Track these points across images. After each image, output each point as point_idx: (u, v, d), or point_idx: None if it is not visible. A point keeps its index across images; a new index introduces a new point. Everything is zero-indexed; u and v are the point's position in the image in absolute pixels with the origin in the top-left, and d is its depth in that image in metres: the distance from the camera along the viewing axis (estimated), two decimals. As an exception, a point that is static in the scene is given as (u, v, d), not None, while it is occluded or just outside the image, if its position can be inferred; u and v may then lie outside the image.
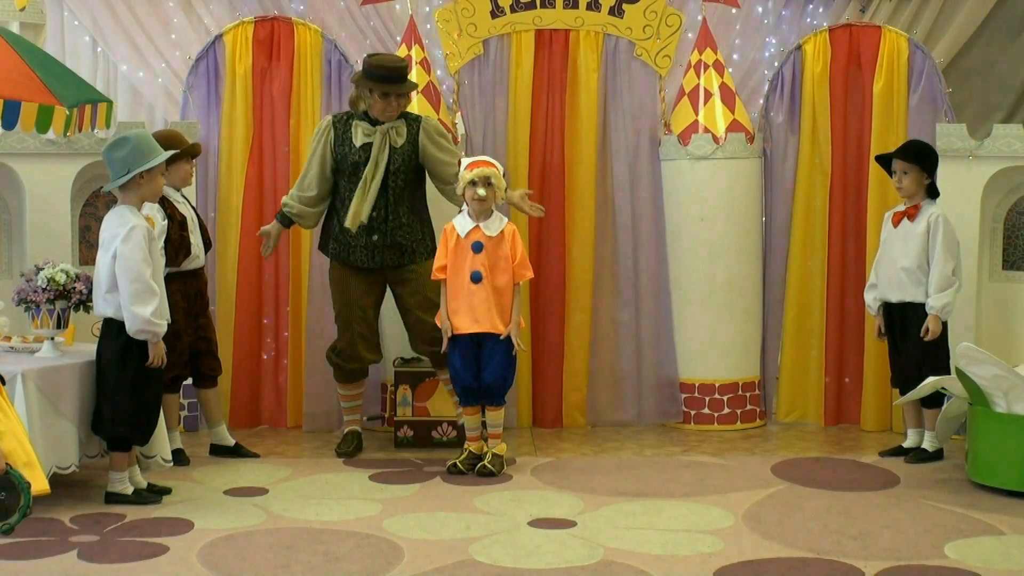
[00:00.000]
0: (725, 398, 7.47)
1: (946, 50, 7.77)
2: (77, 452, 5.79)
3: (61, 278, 5.86)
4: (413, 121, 6.70)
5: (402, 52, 7.37)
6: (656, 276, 7.55)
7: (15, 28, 7.67)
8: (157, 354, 5.68)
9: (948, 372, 6.37)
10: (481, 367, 6.35)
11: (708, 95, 7.45)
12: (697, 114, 7.43)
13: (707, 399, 7.47)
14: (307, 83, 7.43)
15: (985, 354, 6.07)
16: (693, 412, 7.51)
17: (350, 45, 7.60)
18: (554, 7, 7.50)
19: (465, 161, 6.46)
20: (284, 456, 6.85)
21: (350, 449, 6.82)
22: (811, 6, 7.84)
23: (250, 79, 7.42)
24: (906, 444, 6.77)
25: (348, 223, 6.59)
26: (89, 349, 5.96)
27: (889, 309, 6.71)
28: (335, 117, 6.76)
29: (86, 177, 7.11)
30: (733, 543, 5.22)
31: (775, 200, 7.60)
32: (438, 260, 6.43)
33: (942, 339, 6.55)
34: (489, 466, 6.33)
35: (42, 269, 5.92)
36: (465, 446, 6.49)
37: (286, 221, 6.82)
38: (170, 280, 6.04)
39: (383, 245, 6.62)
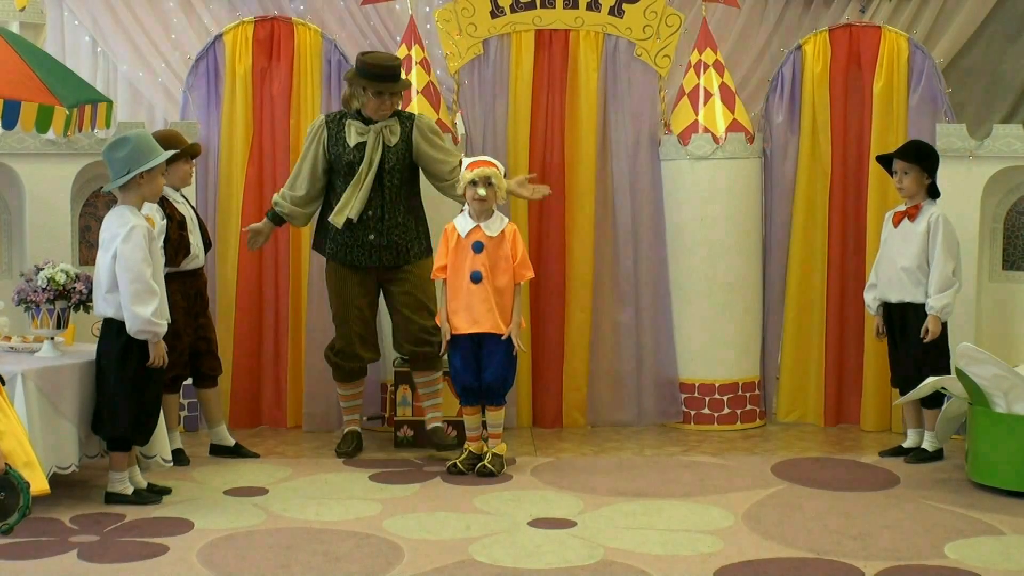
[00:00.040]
0: (725, 398, 7.47)
1: (946, 50, 7.77)
2: (77, 452, 5.79)
3: (61, 278, 5.86)
4: (406, 119, 6.70)
5: (402, 52, 7.38)
6: (656, 276, 7.55)
7: (15, 28, 7.68)
8: (158, 354, 5.68)
9: (948, 372, 6.37)
10: (481, 367, 6.35)
11: (708, 95, 7.45)
12: (697, 114, 7.43)
13: (707, 399, 7.48)
14: (307, 83, 7.44)
15: (985, 354, 6.07)
16: (693, 412, 7.51)
17: (350, 45, 7.60)
18: (554, 7, 7.50)
19: (466, 161, 6.47)
20: (284, 456, 6.85)
21: (350, 449, 6.82)
22: (811, 6, 7.84)
23: (250, 79, 7.42)
24: (906, 444, 6.77)
25: (331, 218, 6.59)
26: (89, 349, 5.96)
27: (889, 309, 6.71)
28: (328, 117, 6.77)
29: (86, 177, 7.11)
30: (733, 543, 5.22)
31: (775, 200, 7.59)
32: (438, 260, 6.44)
33: (942, 339, 6.55)
34: (489, 466, 6.33)
35: (42, 269, 5.92)
36: (465, 446, 6.49)
37: (277, 220, 6.83)
38: (170, 280, 6.04)
39: (380, 244, 6.62)
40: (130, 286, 5.56)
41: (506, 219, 6.45)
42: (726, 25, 7.84)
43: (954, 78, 7.66)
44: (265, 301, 7.55)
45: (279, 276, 7.54)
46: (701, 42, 7.52)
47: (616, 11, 7.52)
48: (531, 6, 7.50)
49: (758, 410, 7.59)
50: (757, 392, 7.59)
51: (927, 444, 6.64)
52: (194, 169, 6.73)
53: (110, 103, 6.71)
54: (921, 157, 6.58)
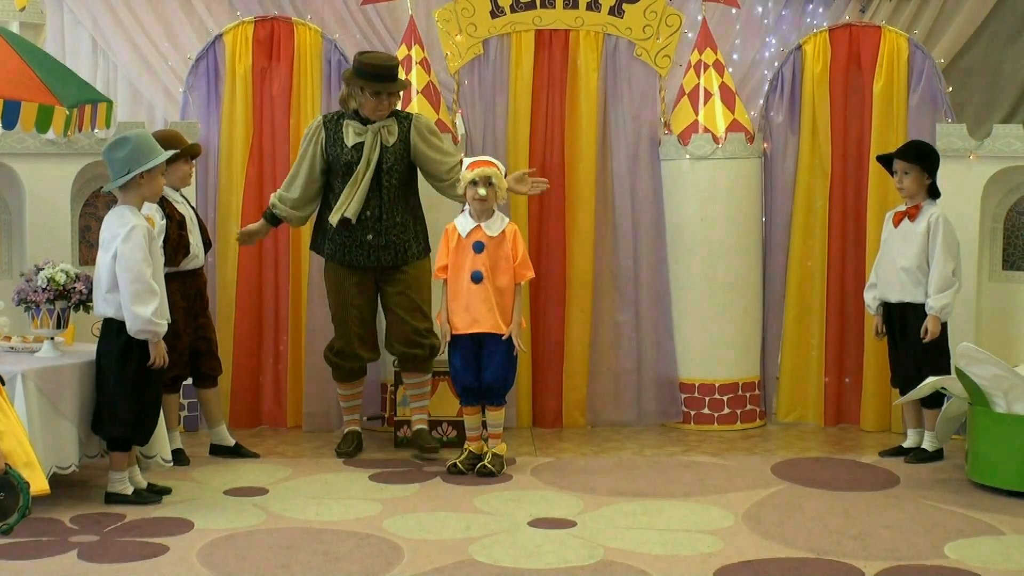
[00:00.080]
0: (725, 398, 7.47)
1: (946, 50, 7.77)
2: (77, 452, 5.79)
3: (61, 278, 5.86)
4: (404, 119, 6.70)
5: (402, 52, 7.38)
6: (656, 276, 7.55)
7: (15, 28, 7.67)
8: (159, 354, 5.68)
9: (948, 372, 6.36)
10: (481, 367, 6.35)
11: (708, 95, 7.45)
12: (697, 114, 7.43)
13: (707, 399, 7.47)
14: (307, 83, 7.44)
15: (985, 354, 6.07)
16: (693, 412, 7.51)
17: (350, 45, 7.60)
18: (554, 7, 7.50)
19: (466, 161, 6.47)
20: (284, 456, 6.85)
21: (350, 449, 6.82)
22: (811, 6, 7.84)
23: (250, 79, 7.42)
24: (906, 444, 6.77)
25: (330, 217, 6.59)
26: (89, 349, 5.96)
27: (889, 309, 6.71)
28: (326, 118, 6.77)
29: (86, 177, 7.11)
30: (733, 543, 5.22)
31: (775, 200, 7.60)
32: (439, 260, 6.44)
33: (942, 339, 6.55)
34: (489, 466, 6.33)
35: (42, 269, 5.92)
36: (465, 446, 6.49)
37: (274, 220, 6.83)
38: (169, 280, 6.04)
39: (378, 244, 6.62)
40: (130, 286, 5.56)
41: (507, 219, 6.46)
42: (726, 25, 7.83)
43: (954, 78, 7.66)
44: (265, 301, 7.55)
45: (279, 276, 7.54)
46: (701, 42, 7.52)
47: (616, 11, 7.52)
48: (531, 6, 7.50)
49: (758, 410, 7.59)
50: (757, 392, 7.59)
51: (927, 444, 6.64)
52: (194, 170, 6.72)
53: (110, 103, 6.71)
54: (921, 157, 6.59)
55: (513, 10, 7.50)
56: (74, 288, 5.88)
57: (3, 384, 4.64)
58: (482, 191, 6.28)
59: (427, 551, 5.11)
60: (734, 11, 7.76)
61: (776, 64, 7.65)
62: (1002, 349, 6.79)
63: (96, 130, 6.68)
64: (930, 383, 6.34)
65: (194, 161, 6.70)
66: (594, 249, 7.56)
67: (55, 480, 5.44)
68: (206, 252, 6.71)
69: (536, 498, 5.93)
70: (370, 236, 6.61)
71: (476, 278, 6.30)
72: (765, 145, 7.57)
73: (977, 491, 6.04)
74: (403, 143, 6.65)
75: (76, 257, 7.09)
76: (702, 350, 7.48)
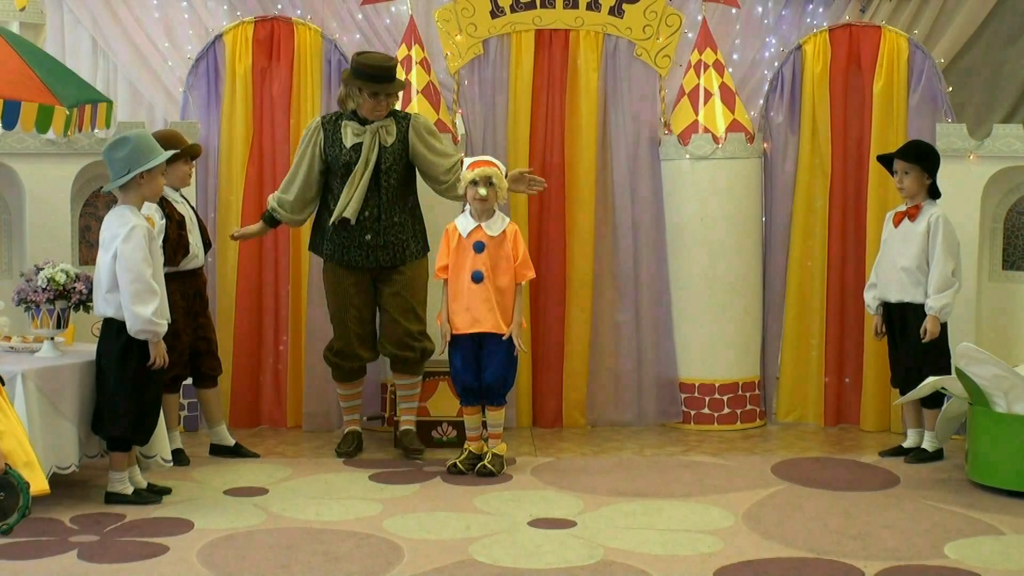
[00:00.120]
0: (725, 398, 7.47)
1: (946, 50, 7.76)
2: (77, 452, 5.79)
3: (61, 278, 5.86)
4: (402, 119, 6.70)
5: (402, 52, 7.38)
6: (656, 276, 7.55)
7: (15, 28, 7.67)
8: (159, 353, 5.68)
9: (948, 372, 6.36)
10: (482, 367, 6.35)
11: (708, 95, 7.45)
12: (697, 114, 7.43)
13: (707, 399, 7.48)
14: (307, 83, 7.44)
15: (985, 354, 6.07)
16: (693, 412, 7.51)
17: (350, 45, 7.60)
18: (554, 7, 7.50)
19: (467, 161, 6.47)
20: (284, 456, 6.85)
21: (350, 449, 6.82)
22: (811, 6, 7.84)
23: (250, 79, 7.42)
24: (906, 444, 6.77)
25: (330, 219, 6.59)
26: (89, 349, 5.96)
27: (889, 309, 6.71)
28: (324, 118, 6.77)
29: (86, 177, 7.11)
30: (733, 543, 5.22)
31: (775, 200, 7.60)
32: (439, 260, 6.44)
33: (942, 339, 6.55)
34: (489, 466, 6.33)
35: (42, 269, 5.92)
36: (465, 446, 6.49)
37: (273, 222, 6.83)
38: (169, 280, 6.03)
39: (376, 244, 6.62)
40: (130, 286, 5.56)
41: (507, 219, 6.46)
42: (726, 25, 7.83)
43: (954, 78, 7.66)
44: (265, 301, 7.55)
45: (279, 276, 7.54)
46: (701, 42, 7.52)
47: (616, 11, 7.52)
48: (531, 6, 7.50)
49: (758, 410, 7.59)
50: (757, 392, 7.59)
51: (927, 444, 6.64)
52: (193, 170, 6.72)
53: (110, 103, 6.71)
54: (921, 157, 6.59)
55: (513, 10, 7.50)
56: (74, 288, 5.88)
57: (3, 384, 4.65)
58: (482, 191, 6.29)
59: (427, 551, 5.11)
60: (734, 11, 7.76)
61: (776, 64, 7.65)
62: (1002, 349, 6.80)
63: (96, 130, 6.68)
64: (930, 383, 6.34)
65: (194, 161, 6.70)
66: (594, 249, 7.56)
67: (55, 480, 5.44)
68: (206, 252, 6.71)
69: (536, 498, 5.93)
70: (368, 236, 6.61)
71: (476, 278, 6.30)
72: (765, 145, 7.57)
73: (977, 491, 6.04)
74: (401, 143, 6.65)
75: (76, 257, 7.09)
76: (702, 350, 7.48)
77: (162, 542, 5.22)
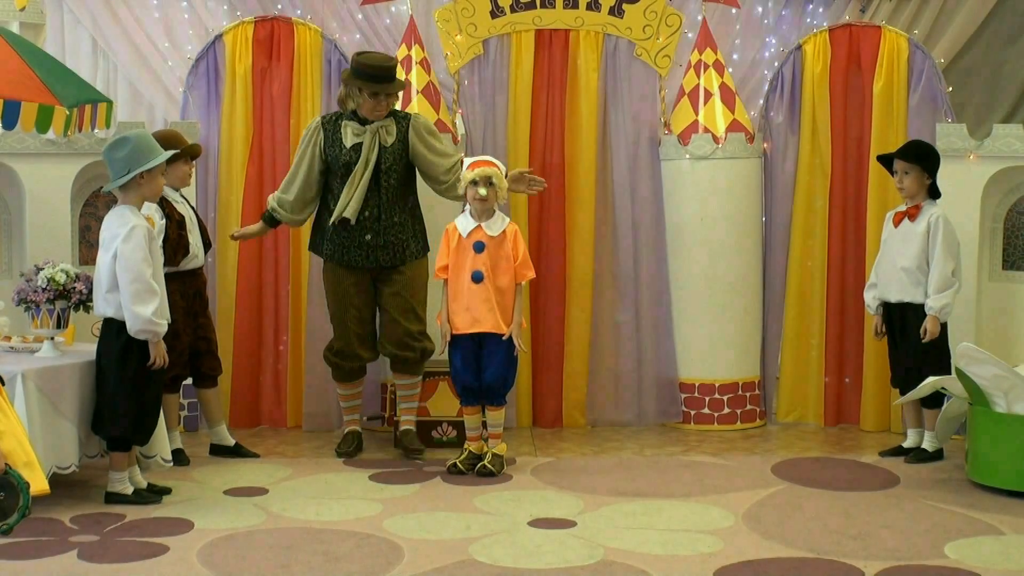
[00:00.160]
0: (725, 398, 7.47)
1: (946, 50, 7.76)
2: (77, 452, 5.79)
3: (61, 278, 5.86)
4: (402, 119, 6.70)
5: (402, 52, 7.38)
6: (656, 276, 7.55)
7: (15, 28, 7.67)
8: (159, 353, 5.68)
9: (948, 372, 6.36)
10: (482, 367, 6.35)
11: (708, 95, 7.45)
12: (697, 114, 7.43)
13: (707, 399, 7.48)
14: (307, 83, 7.44)
15: (985, 354, 6.07)
16: (693, 412, 7.51)
17: (350, 45, 7.60)
18: (554, 7, 7.50)
19: (467, 161, 6.47)
20: (284, 456, 6.85)
21: (350, 449, 6.82)
22: (811, 6, 7.84)
23: (250, 79, 7.42)
24: (906, 444, 6.77)
25: (331, 219, 6.59)
26: (89, 349, 5.96)
27: (888, 309, 6.72)
28: (324, 119, 6.77)
29: (86, 177, 7.11)
30: (733, 543, 5.22)
31: (775, 200, 7.60)
32: (439, 260, 6.44)
33: (942, 339, 6.55)
34: (489, 466, 6.33)
35: (42, 269, 5.92)
36: (465, 446, 6.49)
37: (273, 222, 6.83)
38: (169, 280, 6.03)
39: (376, 244, 6.62)
40: (130, 286, 5.56)
41: (507, 219, 6.46)
42: (726, 25, 7.83)
43: (954, 78, 7.66)
44: (265, 301, 7.55)
45: (279, 276, 7.54)
46: (701, 42, 7.52)
47: (616, 11, 7.52)
48: (531, 6, 7.50)
49: (758, 410, 7.59)
50: (757, 392, 7.59)
51: (927, 444, 6.64)
52: (193, 170, 6.72)
53: (110, 103, 6.71)
54: (922, 157, 6.59)
55: (513, 10, 7.50)
56: (74, 288, 5.88)
57: (3, 384, 4.65)
58: (482, 191, 6.29)
59: (427, 551, 5.11)
60: (734, 11, 7.76)
61: (776, 64, 7.65)
62: (1002, 349, 6.80)
63: (96, 130, 6.68)
64: (930, 383, 6.34)
65: (194, 162, 6.70)
66: (594, 249, 7.56)
67: (55, 480, 5.44)
68: (206, 252, 6.71)
69: (536, 498, 5.93)
70: (368, 236, 6.61)
71: (477, 278, 6.30)
72: (765, 145, 7.57)
73: (977, 491, 6.04)
74: (401, 143, 6.65)
75: (76, 257, 7.09)
76: (702, 350, 7.48)
77: (162, 542, 5.22)
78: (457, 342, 6.37)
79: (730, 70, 7.61)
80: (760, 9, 7.86)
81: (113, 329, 5.69)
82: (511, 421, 7.25)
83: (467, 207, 6.45)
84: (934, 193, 6.62)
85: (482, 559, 5.02)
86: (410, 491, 6.07)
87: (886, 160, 6.72)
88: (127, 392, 5.70)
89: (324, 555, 5.07)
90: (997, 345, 6.85)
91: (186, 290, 6.50)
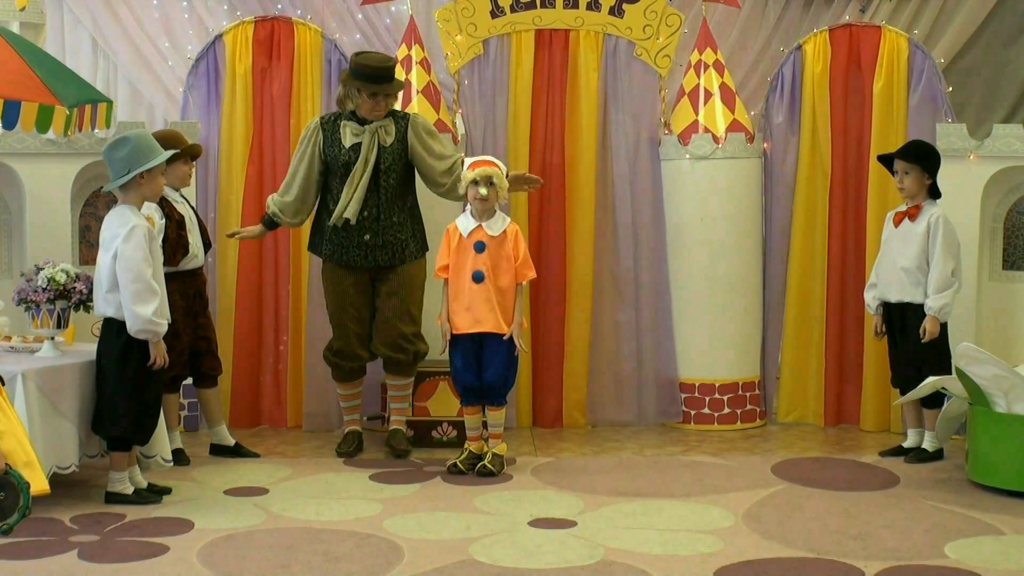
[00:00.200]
0: (725, 398, 7.47)
1: (946, 50, 7.77)
2: (77, 452, 5.79)
3: (61, 278, 5.86)
4: (401, 119, 6.70)
5: (402, 52, 7.38)
6: (656, 276, 7.55)
7: (15, 28, 7.68)
8: (159, 353, 5.68)
9: (948, 372, 6.36)
10: (482, 367, 6.35)
11: (708, 95, 7.45)
12: (697, 114, 7.43)
13: (707, 399, 7.48)
14: (307, 83, 7.44)
15: (985, 354, 6.07)
16: (693, 412, 7.51)
17: (350, 45, 7.60)
18: (554, 7, 7.50)
19: (467, 161, 6.47)
20: (284, 456, 6.85)
21: (350, 449, 6.82)
22: (811, 6, 7.84)
23: (250, 79, 7.42)
24: (906, 444, 6.77)
25: (331, 220, 6.59)
26: (89, 349, 5.96)
27: (889, 309, 6.71)
28: (323, 119, 6.77)
29: (86, 177, 7.11)
30: (733, 543, 5.22)
31: (775, 200, 7.59)
32: (440, 260, 6.44)
33: (942, 339, 6.55)
34: (489, 466, 6.33)
35: (42, 269, 5.92)
36: (466, 446, 6.49)
37: (272, 225, 6.83)
38: (169, 280, 6.03)
39: (375, 244, 6.62)
40: (131, 286, 5.56)
41: (508, 219, 6.46)
42: (726, 25, 7.83)
43: (954, 78, 7.67)
44: (265, 301, 7.55)
45: (279, 276, 7.54)
46: (701, 42, 7.52)
47: (616, 11, 7.52)
48: (531, 6, 7.50)
49: (758, 410, 7.59)
50: (757, 392, 7.59)
51: (927, 444, 6.64)
52: (193, 171, 6.72)
53: (110, 103, 6.71)
54: (922, 157, 6.58)
55: (513, 10, 7.50)
56: (74, 288, 5.88)
57: (3, 384, 4.65)
58: (483, 191, 6.28)
59: (427, 551, 5.11)
60: (734, 11, 7.75)
61: (776, 64, 7.65)
62: (1002, 349, 6.80)
63: (96, 130, 6.68)
64: (930, 383, 6.34)
65: (193, 163, 6.70)
66: (594, 249, 7.56)
67: (55, 480, 5.44)
68: (206, 252, 6.71)
69: (536, 498, 5.93)
70: (367, 236, 6.61)
71: (477, 278, 6.30)
72: (765, 145, 7.57)
73: (977, 491, 6.03)
74: (400, 143, 6.65)
75: (76, 257, 7.09)
76: (702, 350, 7.48)
77: (162, 542, 5.22)
78: (458, 342, 6.37)
79: (730, 70, 7.60)
80: (760, 9, 7.85)
81: (113, 329, 5.69)
82: (511, 421, 7.25)
83: (468, 207, 6.44)
84: (934, 193, 6.62)
85: (482, 559, 5.02)
86: (410, 491, 6.07)
87: (886, 160, 6.72)
88: (127, 392, 5.70)
89: (324, 555, 5.07)
90: (997, 345, 6.85)
91: (186, 290, 6.50)
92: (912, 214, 6.60)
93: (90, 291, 5.83)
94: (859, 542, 5.23)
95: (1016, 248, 7.20)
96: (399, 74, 7.09)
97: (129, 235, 5.56)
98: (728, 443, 7.15)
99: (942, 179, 6.67)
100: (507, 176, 6.48)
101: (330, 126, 6.69)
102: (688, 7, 7.71)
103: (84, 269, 6.26)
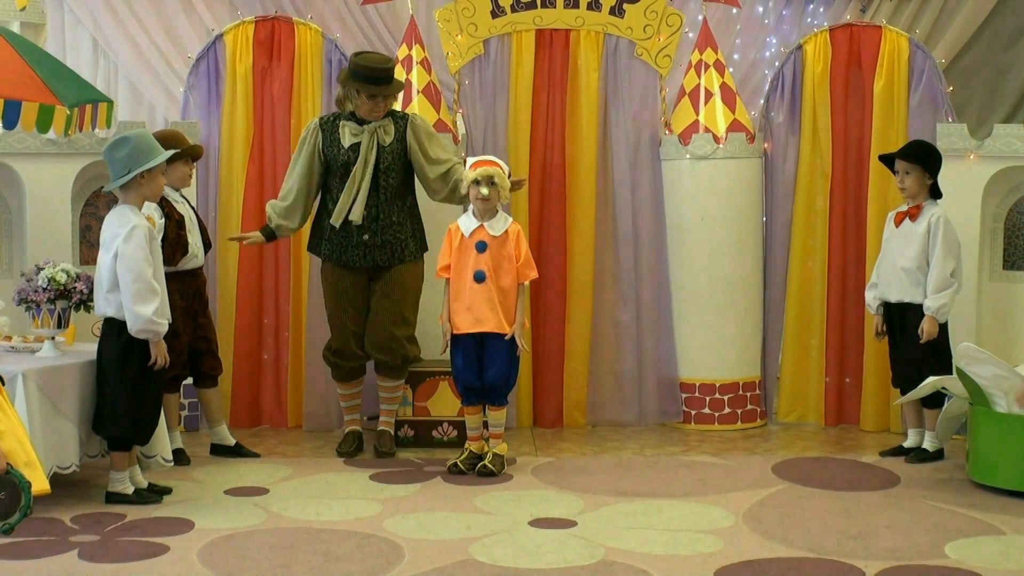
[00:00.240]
0: (726, 398, 7.47)
1: (946, 50, 7.77)
2: (77, 452, 5.79)
3: (62, 278, 5.86)
4: (400, 119, 6.70)
5: (402, 52, 7.38)
6: (656, 276, 7.55)
7: (15, 28, 7.68)
8: (160, 353, 5.68)
9: (949, 372, 6.36)
10: (484, 367, 6.35)
11: (709, 95, 7.45)
12: (698, 114, 7.43)
13: (707, 399, 7.48)
14: (307, 83, 7.43)
15: (986, 354, 6.07)
16: (693, 412, 7.51)
17: (350, 45, 7.60)
18: (554, 7, 7.50)
19: (469, 160, 6.47)
20: (284, 456, 6.85)
21: (350, 449, 6.82)
22: (811, 6, 7.84)
23: (250, 79, 7.42)
24: (906, 444, 6.77)
25: (332, 219, 6.59)
26: (89, 349, 5.96)
27: (889, 309, 6.72)
28: (322, 119, 6.77)
29: (86, 177, 7.12)
30: (733, 543, 5.22)
31: (775, 200, 7.59)
32: (441, 259, 6.44)
33: (942, 339, 6.55)
34: (490, 466, 6.33)
35: (43, 269, 5.92)
36: (466, 446, 6.49)
37: (270, 236, 6.81)
38: (169, 280, 6.02)
39: (374, 244, 6.62)
40: (131, 285, 5.56)
41: (510, 219, 6.46)
42: (726, 25, 7.83)
43: (955, 78, 7.67)
44: (265, 301, 7.55)
45: (279, 276, 7.54)
46: (701, 42, 7.52)
47: (617, 11, 7.52)
48: (532, 6, 7.50)
49: (758, 410, 7.59)
50: (757, 392, 7.59)
51: (927, 444, 6.64)
52: (193, 171, 6.72)
53: (110, 103, 6.71)
54: (923, 157, 6.58)
55: (514, 10, 7.50)
56: (75, 288, 5.88)
57: (3, 384, 4.64)
58: (484, 190, 6.28)
59: (427, 551, 5.11)
60: (735, 11, 7.76)
61: (777, 64, 7.65)
62: (1002, 349, 6.80)
63: (96, 130, 6.68)
64: (930, 383, 6.34)
65: (193, 163, 6.69)
66: (594, 249, 7.56)
67: (56, 480, 5.44)
68: (206, 252, 6.70)
69: (536, 498, 5.93)
70: (366, 236, 6.61)
71: (479, 278, 6.30)
72: (766, 145, 7.57)
73: (978, 491, 6.04)
74: (400, 143, 6.64)
75: (77, 257, 7.09)
76: (702, 350, 7.48)
77: (162, 542, 5.22)
78: (459, 342, 6.37)
79: (731, 70, 7.61)
80: (761, 9, 7.87)
81: (114, 329, 5.69)
82: (512, 421, 7.25)
83: (470, 207, 6.44)
84: (935, 193, 6.62)
85: (482, 559, 5.02)
86: (410, 491, 6.07)
87: (888, 160, 6.72)
88: (128, 392, 5.70)
89: (324, 555, 5.07)
90: (997, 345, 6.85)
91: (185, 290, 6.50)
92: (913, 214, 6.60)
93: (90, 291, 5.83)
94: (859, 542, 5.23)
95: (1017, 248, 7.20)
96: (399, 74, 7.09)
97: (130, 235, 5.56)
98: (728, 443, 7.15)
99: (943, 179, 6.66)
100: (509, 176, 6.47)
101: (329, 126, 6.69)
102: (688, 7, 7.70)
103: (85, 269, 6.26)
